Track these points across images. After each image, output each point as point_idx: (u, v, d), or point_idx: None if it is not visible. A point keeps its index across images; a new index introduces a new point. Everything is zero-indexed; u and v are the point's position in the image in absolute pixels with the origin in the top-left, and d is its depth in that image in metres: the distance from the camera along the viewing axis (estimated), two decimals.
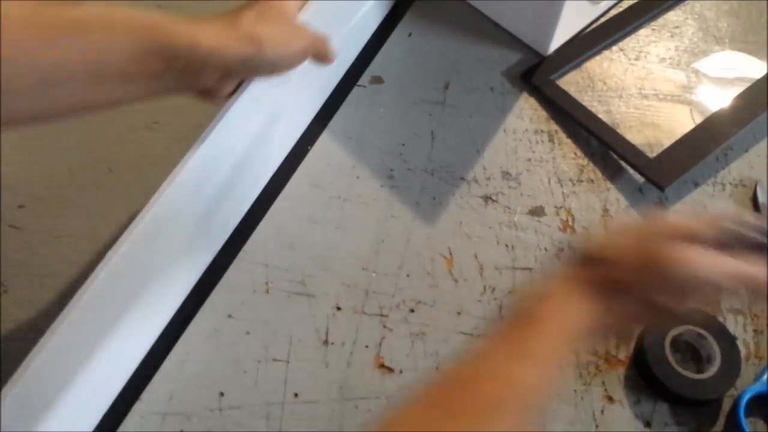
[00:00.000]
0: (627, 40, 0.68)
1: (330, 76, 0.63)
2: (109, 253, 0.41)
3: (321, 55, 0.48)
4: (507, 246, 0.56)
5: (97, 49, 0.36)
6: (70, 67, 0.36)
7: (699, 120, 0.61)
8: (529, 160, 0.60)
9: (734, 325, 0.52)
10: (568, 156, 0.60)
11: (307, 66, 0.55)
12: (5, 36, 0.33)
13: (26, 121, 0.37)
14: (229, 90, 0.47)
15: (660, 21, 0.69)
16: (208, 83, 0.42)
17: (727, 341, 0.49)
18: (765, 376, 0.49)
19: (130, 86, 0.39)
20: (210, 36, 0.39)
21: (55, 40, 0.35)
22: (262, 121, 0.52)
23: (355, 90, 0.64)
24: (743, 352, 0.50)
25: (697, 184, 0.59)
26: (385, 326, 0.52)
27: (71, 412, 0.43)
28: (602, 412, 0.49)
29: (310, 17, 0.51)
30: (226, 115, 0.46)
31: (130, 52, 0.37)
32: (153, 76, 0.39)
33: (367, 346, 0.52)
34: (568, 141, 0.61)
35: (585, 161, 0.60)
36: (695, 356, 0.51)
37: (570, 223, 0.57)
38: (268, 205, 0.58)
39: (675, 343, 0.50)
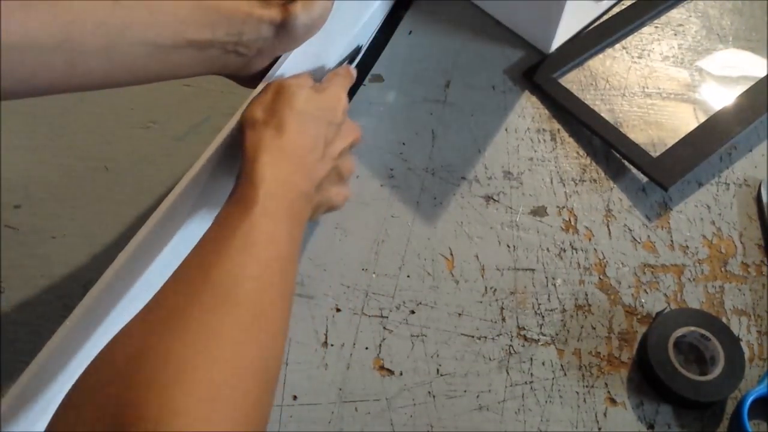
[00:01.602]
0: (630, 38, 0.67)
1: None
2: (120, 255, 0.41)
3: None
4: (509, 246, 0.55)
5: (159, 10, 0.39)
6: (134, 31, 0.38)
7: (702, 119, 0.61)
8: (531, 159, 0.59)
9: (738, 326, 0.51)
10: (570, 155, 0.60)
11: (310, 67, 0.54)
12: None
13: (90, 86, 0.40)
14: (262, 66, 0.47)
15: (663, 19, 0.68)
16: (245, 58, 0.45)
17: (731, 343, 0.49)
18: None
19: (179, 57, 0.41)
20: (244, 4, 0.43)
21: (120, 3, 0.38)
22: None
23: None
24: (747, 353, 0.50)
25: (700, 184, 0.58)
26: (385, 328, 0.52)
27: None
28: (605, 414, 0.48)
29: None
30: (233, 120, 0.46)
31: (182, 19, 0.40)
32: (198, 48, 0.42)
33: (367, 348, 0.51)
34: (571, 140, 0.61)
35: (587, 160, 0.60)
36: (699, 358, 0.50)
37: (572, 223, 0.56)
38: None
39: (678, 344, 0.50)
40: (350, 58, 0.58)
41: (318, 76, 0.52)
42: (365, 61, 0.65)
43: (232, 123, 0.44)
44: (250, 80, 0.47)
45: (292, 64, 0.47)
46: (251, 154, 0.40)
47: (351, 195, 0.49)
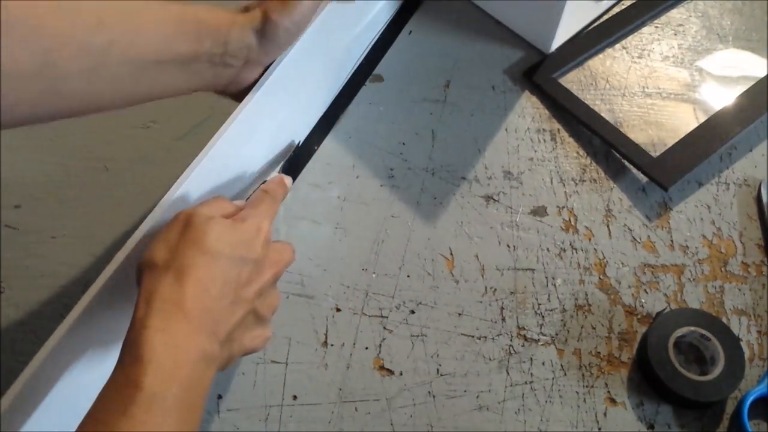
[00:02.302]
0: (630, 38, 0.67)
1: (337, 77, 0.63)
2: (117, 254, 0.40)
3: None
4: (509, 246, 0.55)
5: (141, 27, 0.38)
6: (117, 51, 0.37)
7: (702, 119, 0.61)
8: (531, 159, 0.59)
9: (738, 326, 0.51)
10: (570, 155, 0.60)
11: (313, 67, 0.54)
12: (49, 20, 0.34)
13: (75, 112, 0.38)
14: (252, 78, 0.46)
15: (663, 19, 0.68)
16: (233, 69, 0.44)
17: (731, 343, 0.49)
18: None
19: (165, 74, 0.40)
20: (226, 13, 0.43)
21: (103, 21, 0.36)
22: (270, 125, 0.52)
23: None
24: (747, 353, 0.50)
25: (700, 184, 0.58)
26: (385, 328, 0.52)
27: (73, 414, 0.43)
28: (605, 414, 0.48)
29: (326, 19, 0.51)
30: (234, 121, 0.46)
31: (166, 33, 0.39)
32: (184, 62, 0.41)
33: (366, 348, 0.51)
34: (571, 140, 0.61)
35: (587, 160, 0.60)
36: (699, 358, 0.50)
37: (572, 223, 0.56)
38: None
39: (678, 344, 0.50)
40: (283, 157, 0.55)
41: (243, 184, 0.49)
42: (367, 62, 0.65)
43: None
44: (244, 94, 0.46)
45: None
46: (142, 311, 0.34)
47: (271, 335, 0.42)
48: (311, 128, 0.61)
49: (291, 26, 0.44)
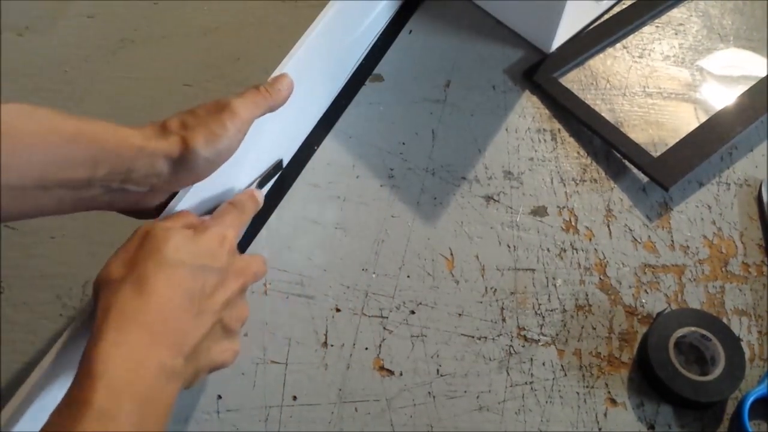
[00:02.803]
0: (630, 37, 0.67)
1: (337, 77, 0.63)
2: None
3: (275, 102, 0.44)
4: (509, 246, 0.55)
5: (23, 149, 0.33)
6: None
7: (703, 118, 0.61)
8: (532, 159, 0.59)
9: (739, 326, 0.51)
10: (570, 155, 0.60)
11: (313, 67, 0.54)
12: None
13: None
14: (156, 202, 0.42)
15: (664, 18, 0.68)
16: (134, 195, 0.39)
17: (732, 343, 0.49)
18: None
19: (49, 197, 0.36)
20: (136, 136, 0.37)
21: None
22: (271, 125, 0.51)
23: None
24: (747, 353, 0.50)
25: (701, 184, 0.58)
26: (385, 328, 0.52)
27: None
28: (605, 414, 0.48)
29: (327, 20, 0.51)
30: None
31: (52, 156, 0.34)
32: (74, 186, 0.36)
33: (366, 348, 0.51)
34: (571, 140, 0.61)
35: (588, 160, 0.59)
36: (699, 358, 0.50)
37: (573, 224, 0.56)
38: (269, 205, 0.57)
39: (679, 344, 0.50)
40: (269, 175, 0.53)
41: (219, 202, 0.47)
42: (367, 62, 0.65)
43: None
44: (148, 215, 0.42)
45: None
46: (97, 324, 0.32)
47: (239, 349, 0.41)
48: (311, 128, 0.61)
49: (213, 156, 0.39)
